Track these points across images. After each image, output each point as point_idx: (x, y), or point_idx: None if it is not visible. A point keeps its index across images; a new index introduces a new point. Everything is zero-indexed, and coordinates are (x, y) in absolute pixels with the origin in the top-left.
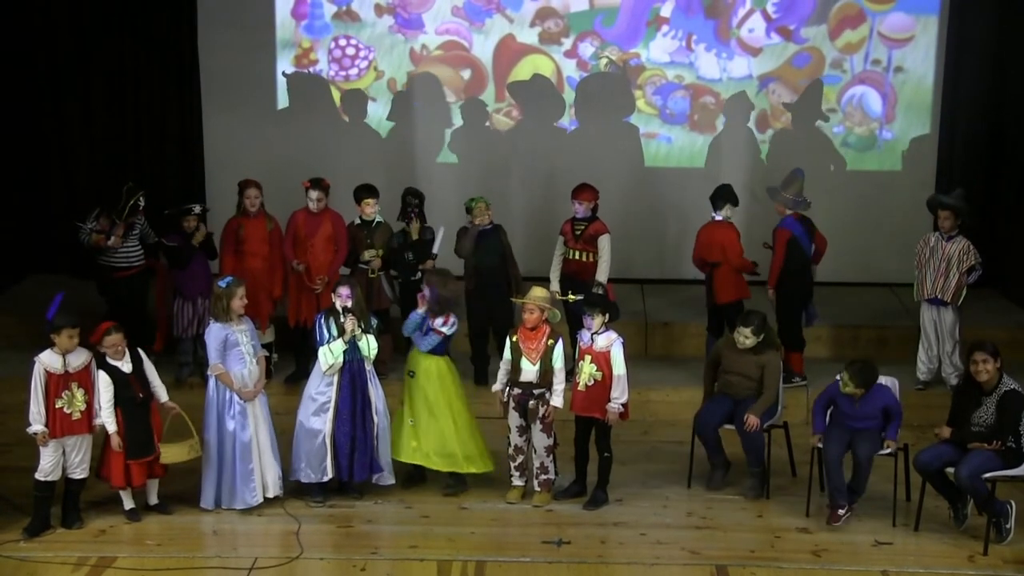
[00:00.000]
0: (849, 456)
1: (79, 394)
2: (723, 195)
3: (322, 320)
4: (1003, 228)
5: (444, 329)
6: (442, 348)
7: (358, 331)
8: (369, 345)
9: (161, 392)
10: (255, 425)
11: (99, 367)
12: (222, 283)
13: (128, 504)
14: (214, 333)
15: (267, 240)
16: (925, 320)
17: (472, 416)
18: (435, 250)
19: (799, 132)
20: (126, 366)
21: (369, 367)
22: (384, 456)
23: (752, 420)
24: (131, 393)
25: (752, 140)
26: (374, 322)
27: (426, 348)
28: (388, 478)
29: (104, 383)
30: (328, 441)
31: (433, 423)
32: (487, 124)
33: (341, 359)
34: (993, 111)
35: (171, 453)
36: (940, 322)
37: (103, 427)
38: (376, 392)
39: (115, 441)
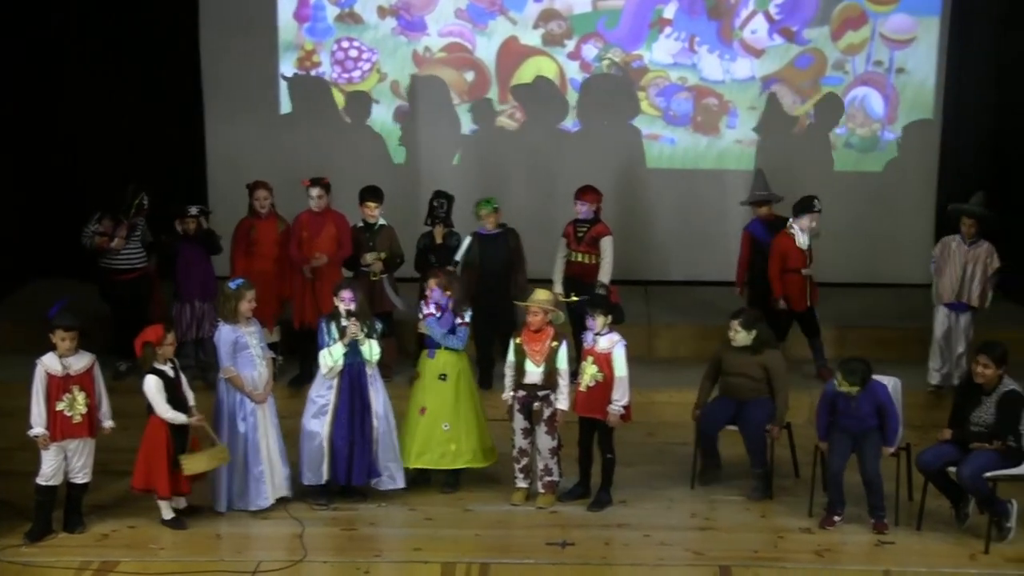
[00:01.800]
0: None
1: (80, 397)
2: (795, 204)
3: (324, 323)
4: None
5: (468, 319)
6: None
7: (360, 335)
8: (371, 350)
9: (190, 400)
10: (264, 427)
11: (147, 372)
12: (232, 284)
13: (168, 514)
14: (224, 336)
15: (278, 242)
16: (940, 324)
17: (483, 408)
18: (458, 257)
19: (798, 135)
20: (171, 371)
21: (371, 371)
22: (384, 460)
23: (775, 432)
24: (177, 397)
25: (756, 142)
26: (378, 326)
27: (463, 344)
28: (387, 482)
29: (157, 387)
30: (326, 444)
31: (472, 420)
32: (490, 126)
33: (341, 362)
34: (995, 112)
35: (194, 463)
36: (955, 326)
37: (110, 430)
38: (376, 396)
39: (195, 421)
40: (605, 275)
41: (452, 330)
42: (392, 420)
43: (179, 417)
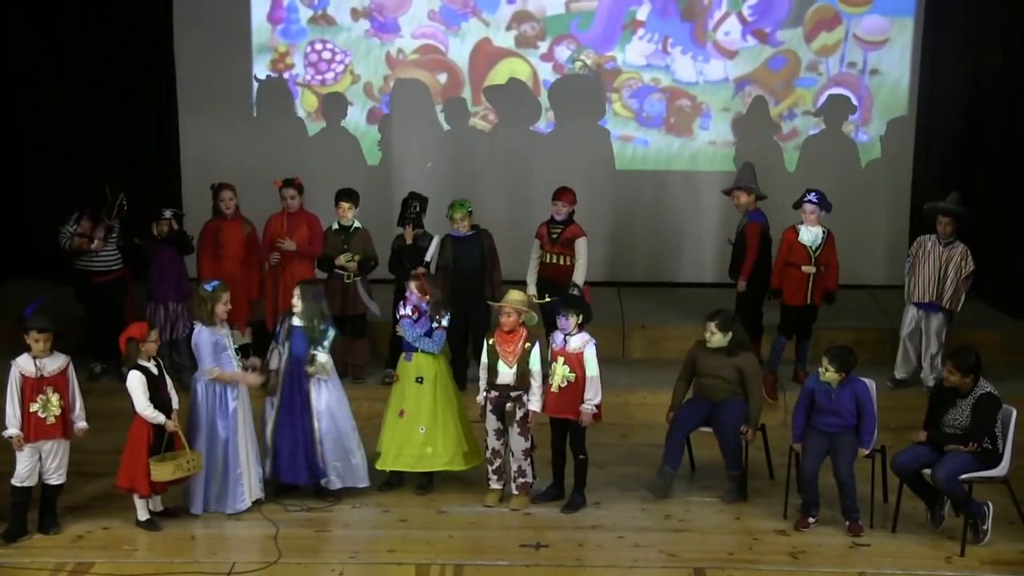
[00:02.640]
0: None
1: (54, 398)
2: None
3: (282, 319)
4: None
5: (445, 323)
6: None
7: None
8: (317, 359)
9: (174, 402)
10: (243, 429)
11: (131, 368)
12: (208, 287)
13: (143, 515)
14: (204, 338)
15: (244, 243)
16: (907, 323)
17: (465, 410)
18: (428, 257)
19: (774, 135)
20: (154, 369)
21: (324, 376)
22: (332, 460)
23: (751, 433)
24: (160, 397)
25: (730, 143)
26: (331, 333)
27: (438, 347)
28: (335, 482)
29: (140, 383)
30: (269, 441)
31: (450, 423)
32: (463, 128)
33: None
34: (969, 114)
35: (161, 471)
36: (926, 325)
37: (84, 432)
38: (319, 396)
39: (170, 425)
40: (580, 276)
41: (428, 333)
42: (344, 419)
43: (157, 417)
